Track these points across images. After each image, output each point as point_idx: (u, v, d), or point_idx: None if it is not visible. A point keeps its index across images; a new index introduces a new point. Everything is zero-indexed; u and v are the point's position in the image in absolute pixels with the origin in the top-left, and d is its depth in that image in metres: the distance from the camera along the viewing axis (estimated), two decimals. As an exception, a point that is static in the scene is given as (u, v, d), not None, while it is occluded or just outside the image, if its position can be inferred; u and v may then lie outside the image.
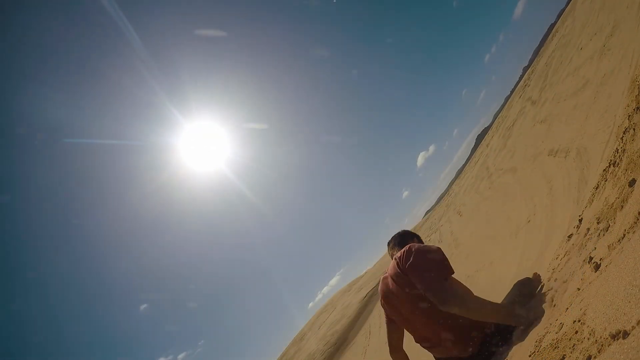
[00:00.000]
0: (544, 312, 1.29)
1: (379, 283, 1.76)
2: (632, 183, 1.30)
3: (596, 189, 1.82)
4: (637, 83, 1.92)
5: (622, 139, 1.80)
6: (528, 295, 1.58)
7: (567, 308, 1.07)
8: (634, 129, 1.68)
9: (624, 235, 1.06)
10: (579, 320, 0.88)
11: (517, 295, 1.61)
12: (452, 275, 1.57)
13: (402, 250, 1.63)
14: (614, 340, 0.66)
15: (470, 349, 1.53)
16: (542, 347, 1.02)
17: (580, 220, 1.75)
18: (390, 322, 1.77)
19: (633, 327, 0.64)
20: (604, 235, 1.25)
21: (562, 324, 1.00)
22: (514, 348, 1.38)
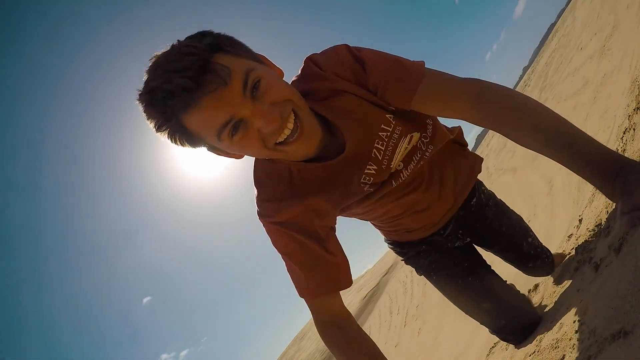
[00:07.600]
0: None
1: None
2: (632, 183, 1.30)
3: (596, 189, 1.82)
4: (637, 83, 1.92)
5: (622, 139, 1.79)
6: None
7: (567, 308, 1.07)
8: (634, 129, 1.68)
9: (624, 235, 1.06)
10: (579, 320, 0.88)
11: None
12: None
13: None
14: (614, 340, 0.66)
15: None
16: (542, 347, 1.02)
17: (580, 220, 1.74)
18: None
19: (633, 327, 0.64)
20: (604, 235, 1.25)
21: (562, 324, 1.00)
22: (513, 346, 1.38)
